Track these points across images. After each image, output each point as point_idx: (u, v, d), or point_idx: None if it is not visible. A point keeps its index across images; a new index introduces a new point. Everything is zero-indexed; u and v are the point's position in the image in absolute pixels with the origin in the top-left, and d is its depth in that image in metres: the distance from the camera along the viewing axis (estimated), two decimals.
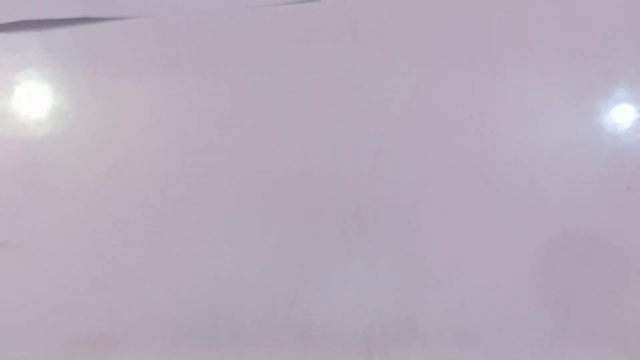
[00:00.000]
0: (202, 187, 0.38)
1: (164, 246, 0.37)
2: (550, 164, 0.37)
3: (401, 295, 0.36)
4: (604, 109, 0.37)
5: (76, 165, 0.38)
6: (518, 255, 0.36)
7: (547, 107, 0.38)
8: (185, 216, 0.37)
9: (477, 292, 0.36)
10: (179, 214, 0.37)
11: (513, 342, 0.35)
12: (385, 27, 0.39)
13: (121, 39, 0.40)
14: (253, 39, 0.39)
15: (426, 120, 0.38)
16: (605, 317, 0.35)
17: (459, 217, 0.36)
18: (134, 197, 0.38)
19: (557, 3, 0.39)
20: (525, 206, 0.36)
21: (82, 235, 0.38)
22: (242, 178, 0.38)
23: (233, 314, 0.36)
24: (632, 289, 0.35)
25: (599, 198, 0.36)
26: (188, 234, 0.37)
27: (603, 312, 0.35)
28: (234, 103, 0.39)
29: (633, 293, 0.35)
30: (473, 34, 0.39)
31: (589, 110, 0.37)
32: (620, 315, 0.35)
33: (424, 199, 0.37)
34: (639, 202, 0.36)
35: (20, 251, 0.37)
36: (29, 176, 0.38)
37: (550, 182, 0.37)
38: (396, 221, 0.37)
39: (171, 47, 0.40)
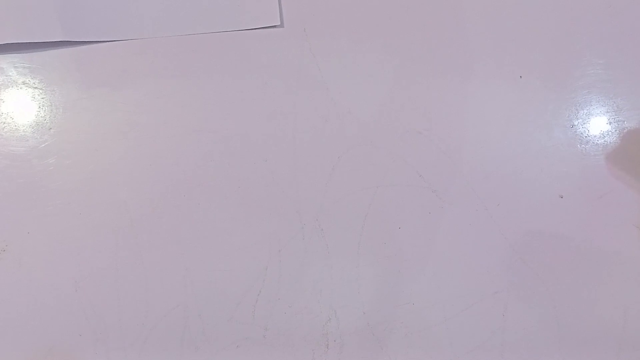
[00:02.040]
0: (175, 195, 0.40)
1: (137, 248, 0.39)
2: (490, 175, 0.40)
3: (356, 293, 0.39)
4: (539, 124, 0.40)
5: (58, 176, 0.40)
6: (458, 255, 0.39)
7: (486, 123, 0.40)
8: (158, 221, 0.40)
9: (420, 289, 0.39)
10: (152, 219, 0.40)
11: (455, 335, 0.38)
12: (341, 50, 0.41)
13: (97, 60, 0.42)
14: (223, 60, 0.41)
15: (378, 135, 0.40)
16: (544, 313, 0.38)
17: (408, 222, 0.39)
18: (110, 204, 0.40)
19: (496, 27, 0.41)
20: (468, 212, 0.39)
21: (63, 240, 0.40)
22: (213, 187, 0.40)
23: (202, 312, 0.39)
24: (565, 289, 0.38)
25: (535, 205, 0.39)
26: (160, 238, 0.39)
27: (541, 309, 0.38)
28: (203, 118, 0.41)
29: (566, 292, 0.38)
30: (422, 56, 0.41)
31: (525, 125, 0.40)
32: (556, 311, 0.38)
33: (376, 206, 0.39)
34: (570, 209, 0.39)
35: (3, 258, 0.39)
36: (14, 187, 0.40)
37: (491, 191, 0.39)
38: (351, 226, 0.39)
39: (144, 67, 0.42)
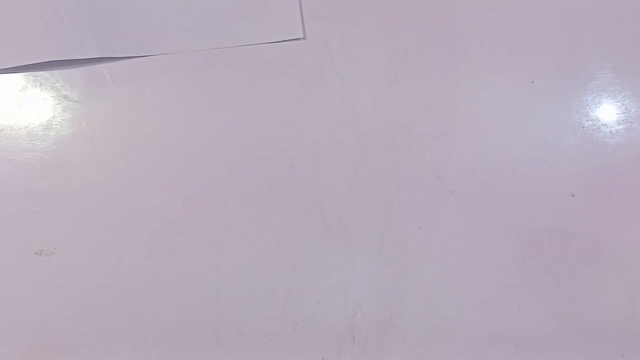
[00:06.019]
0: (207, 199, 0.42)
1: (172, 249, 0.42)
2: (504, 175, 0.41)
3: (379, 289, 0.41)
4: (551, 126, 0.42)
5: (100, 183, 0.43)
6: (474, 252, 0.41)
7: (500, 126, 0.42)
8: (192, 224, 0.42)
9: (438, 285, 0.41)
10: (186, 222, 0.42)
11: (471, 327, 0.40)
12: (360, 61, 0.43)
13: (131, 74, 0.44)
14: (250, 72, 0.44)
15: (398, 139, 0.42)
16: (556, 306, 0.40)
17: (427, 222, 0.41)
18: (147, 208, 0.42)
19: (508, 35, 0.43)
20: (483, 211, 0.41)
21: (105, 242, 0.42)
22: (243, 191, 0.42)
23: (234, 309, 0.41)
24: (576, 283, 0.40)
25: (547, 203, 0.41)
26: (194, 239, 0.42)
27: (553, 302, 0.40)
28: (231, 127, 0.43)
29: (577, 286, 0.40)
30: (438, 65, 0.43)
31: (537, 128, 0.42)
32: (567, 304, 0.40)
33: (396, 207, 0.41)
34: (581, 206, 0.41)
35: (51, 260, 0.42)
36: (60, 194, 0.43)
37: (505, 191, 0.41)
38: (373, 226, 0.41)
39: (174, 80, 0.44)
